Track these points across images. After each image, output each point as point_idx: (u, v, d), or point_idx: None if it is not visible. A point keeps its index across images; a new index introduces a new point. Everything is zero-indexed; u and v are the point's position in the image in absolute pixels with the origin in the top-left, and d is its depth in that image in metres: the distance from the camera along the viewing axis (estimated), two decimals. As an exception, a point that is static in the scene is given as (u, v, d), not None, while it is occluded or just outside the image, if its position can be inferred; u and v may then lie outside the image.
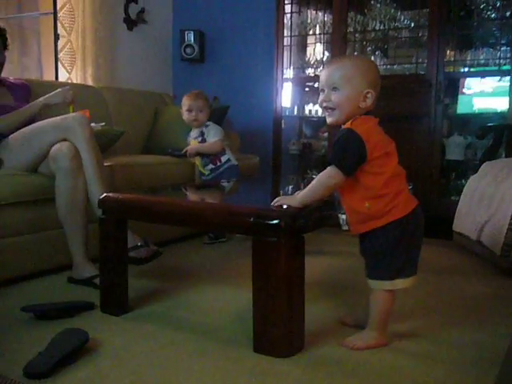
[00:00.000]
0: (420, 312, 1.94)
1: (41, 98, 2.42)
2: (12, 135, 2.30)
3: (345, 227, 1.59)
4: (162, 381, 1.39)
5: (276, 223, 1.46)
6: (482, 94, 3.39)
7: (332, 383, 1.38)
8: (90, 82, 3.79)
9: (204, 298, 2.09)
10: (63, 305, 1.89)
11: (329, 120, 1.58)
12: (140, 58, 4.38)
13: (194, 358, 1.53)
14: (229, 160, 3.10)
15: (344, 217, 1.58)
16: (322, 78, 1.56)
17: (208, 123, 3.11)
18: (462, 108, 3.44)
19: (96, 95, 3.43)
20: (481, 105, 3.40)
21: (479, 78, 3.42)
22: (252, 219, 1.50)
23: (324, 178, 1.51)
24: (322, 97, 1.56)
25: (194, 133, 3.13)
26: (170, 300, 2.05)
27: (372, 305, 1.59)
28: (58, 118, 2.23)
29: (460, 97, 3.44)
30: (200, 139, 3.09)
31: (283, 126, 4.01)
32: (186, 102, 3.09)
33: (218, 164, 3.08)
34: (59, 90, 2.45)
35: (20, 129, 2.30)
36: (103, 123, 2.57)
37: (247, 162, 3.50)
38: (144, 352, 1.57)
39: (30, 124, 2.31)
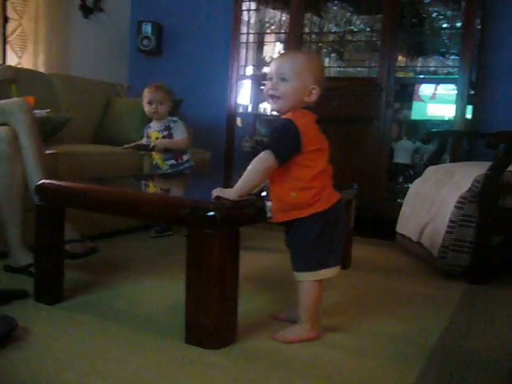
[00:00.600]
0: (355, 308, 1.98)
1: None
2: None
3: (269, 214, 1.61)
4: (89, 369, 1.37)
5: (211, 215, 1.46)
6: (431, 100, 3.47)
7: (260, 375, 1.39)
8: (41, 69, 3.72)
9: (141, 290, 2.07)
10: (-5, 292, 1.84)
11: (272, 107, 1.64)
12: (95, 47, 4.32)
13: (124, 348, 1.52)
14: (189, 160, 3.11)
15: (269, 204, 1.60)
16: (273, 67, 1.61)
17: (175, 119, 3.11)
18: (415, 114, 3.51)
19: (44, 81, 3.35)
20: (430, 111, 3.48)
21: (429, 85, 3.49)
22: (188, 210, 1.50)
23: (258, 163, 1.54)
24: (269, 85, 1.61)
25: (156, 125, 3.10)
26: (107, 291, 2.02)
27: (300, 297, 1.62)
28: (0, 101, 2.17)
29: (414, 103, 3.51)
30: (166, 133, 3.06)
31: (239, 123, 4.02)
32: (146, 94, 3.07)
33: (180, 161, 3.07)
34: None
35: None
36: (48, 110, 2.52)
37: (199, 157, 3.48)
38: (74, 341, 1.55)
39: None
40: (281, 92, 1.57)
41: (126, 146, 3.18)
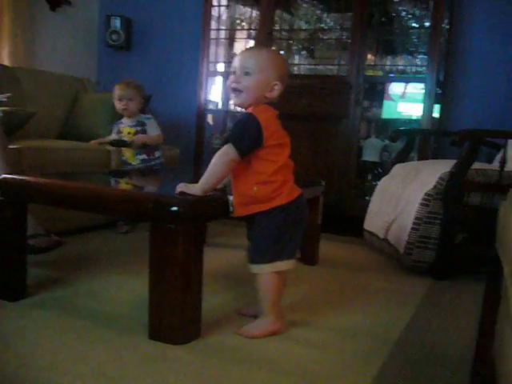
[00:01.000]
0: (321, 304, 1.99)
1: None
2: None
3: (231, 208, 1.62)
4: (50, 366, 1.35)
5: (175, 210, 1.45)
6: (400, 99, 3.51)
7: (223, 369, 1.38)
8: (6, 62, 3.64)
9: (107, 286, 2.04)
10: (-46, 288, 1.80)
11: (234, 101, 1.65)
12: (63, 40, 4.25)
13: (88, 344, 1.50)
14: (160, 157, 3.12)
15: (231, 198, 1.61)
16: (237, 61, 1.61)
17: (149, 116, 3.12)
18: (385, 112, 3.55)
19: (10, 75, 3.29)
20: (399, 110, 3.52)
21: (398, 84, 3.53)
22: (151, 205, 1.48)
23: (220, 156, 1.55)
24: (232, 78, 1.61)
25: (128, 121, 3.08)
26: (72, 288, 1.99)
27: (259, 290, 1.62)
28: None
29: (384, 101, 3.54)
30: (139, 128, 3.05)
31: (210, 120, 4.00)
32: (116, 91, 3.06)
33: (151, 157, 3.07)
34: None
35: None
36: (9, 94, 2.45)
37: (168, 153, 3.46)
38: (36, 338, 1.52)
39: None
40: (243, 86, 1.57)
41: (100, 140, 3.15)
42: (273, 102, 1.61)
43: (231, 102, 4.03)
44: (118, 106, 3.05)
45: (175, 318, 1.49)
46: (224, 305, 1.90)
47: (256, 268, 1.60)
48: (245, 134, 1.53)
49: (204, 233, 2.77)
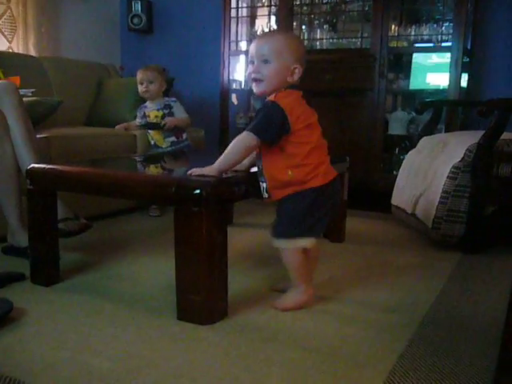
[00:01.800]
0: (348, 280, 1.99)
1: None
2: None
3: (265, 195, 1.64)
4: (82, 347, 1.40)
5: (197, 193, 1.47)
6: (426, 69, 3.45)
7: (250, 348, 1.41)
8: (32, 52, 3.70)
9: (137, 269, 2.09)
10: (-9, 276, 1.87)
11: (256, 90, 1.62)
12: (86, 27, 4.28)
13: (118, 326, 1.54)
14: (187, 139, 3.16)
15: (265, 185, 1.62)
16: (253, 50, 1.60)
17: (174, 99, 3.15)
18: (412, 83, 3.49)
19: (35, 65, 3.34)
20: (426, 81, 3.46)
21: (423, 54, 3.46)
22: (174, 189, 1.50)
23: (239, 143, 1.56)
24: (251, 68, 1.61)
25: (153, 105, 3.12)
26: (103, 271, 2.04)
27: (285, 264, 1.66)
28: (-14, 85, 2.18)
29: (411, 72, 3.48)
30: (167, 111, 3.09)
31: (234, 99, 4.00)
32: (138, 75, 3.12)
33: (180, 139, 3.11)
34: None
35: None
36: (33, 89, 2.50)
37: (193, 135, 3.48)
38: (69, 320, 1.57)
39: None
40: (263, 75, 1.57)
41: (125, 125, 3.19)
42: (294, 84, 1.59)
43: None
44: (140, 89, 3.09)
45: (202, 298, 1.52)
46: (251, 284, 1.92)
47: (277, 242, 1.63)
48: (269, 123, 1.52)
49: (230, 213, 2.84)
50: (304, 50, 1.63)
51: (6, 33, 3.61)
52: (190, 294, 1.53)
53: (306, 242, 1.62)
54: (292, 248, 1.62)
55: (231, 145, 1.57)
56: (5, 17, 3.59)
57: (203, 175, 1.55)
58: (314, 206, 1.59)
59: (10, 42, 3.63)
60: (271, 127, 1.52)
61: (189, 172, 1.58)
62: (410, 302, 1.78)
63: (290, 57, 1.56)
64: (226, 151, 1.57)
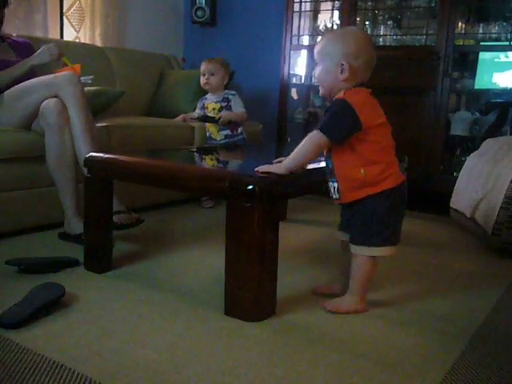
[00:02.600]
0: (401, 284, 1.95)
1: (28, 59, 2.41)
2: (6, 92, 2.32)
3: (335, 195, 1.61)
4: (129, 337, 1.42)
5: (250, 188, 1.46)
6: (493, 69, 3.32)
7: (296, 349, 1.39)
8: (98, 42, 3.79)
9: (187, 261, 2.11)
10: (48, 260, 1.92)
11: (320, 93, 1.64)
12: (151, 19, 4.35)
13: (165, 317, 1.56)
14: (242, 132, 3.18)
15: (336, 185, 1.59)
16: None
17: (233, 92, 3.18)
18: (478, 83, 3.37)
19: (100, 55, 3.43)
20: (492, 80, 3.33)
21: (491, 53, 3.33)
22: (227, 183, 1.50)
23: (310, 143, 1.53)
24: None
25: (213, 97, 3.16)
26: (153, 262, 2.07)
27: (354, 270, 1.62)
28: (50, 75, 2.24)
29: (477, 71, 3.35)
30: (224, 104, 3.12)
31: (294, 94, 3.98)
32: (202, 66, 3.17)
33: (235, 133, 3.15)
34: (43, 47, 2.42)
35: (10, 87, 2.33)
36: (92, 76, 2.55)
37: (251, 129, 3.48)
38: (118, 309, 1.60)
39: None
40: (316, 77, 1.59)
41: (185, 116, 3.23)
42: (363, 82, 1.57)
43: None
44: (201, 80, 3.13)
45: (250, 295, 1.52)
46: (300, 283, 1.90)
47: (357, 249, 1.59)
48: (339, 122, 1.50)
49: (284, 209, 2.82)
50: (356, 44, 1.54)
51: (74, 23, 3.71)
52: (238, 289, 1.53)
53: (386, 251, 1.59)
54: (369, 255, 1.59)
55: (301, 143, 1.54)
56: (74, 8, 3.70)
57: (269, 172, 1.54)
58: (390, 212, 1.56)
59: (77, 32, 3.74)
60: (341, 125, 1.50)
61: (256, 168, 1.56)
62: (464, 311, 1.72)
63: (336, 55, 1.53)
64: (296, 150, 1.55)
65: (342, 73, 1.53)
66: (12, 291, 1.69)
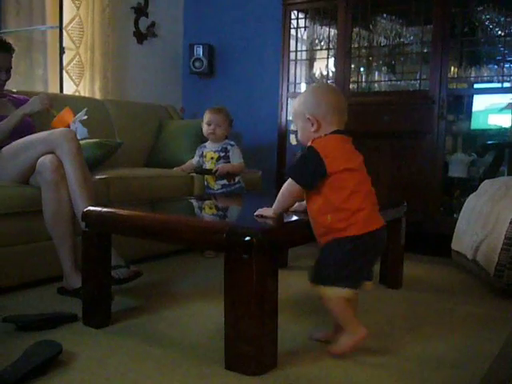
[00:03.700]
0: (403, 330, 1.92)
1: (19, 109, 2.47)
2: (5, 148, 2.36)
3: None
4: (128, 396, 1.39)
5: (247, 240, 1.46)
6: (487, 110, 3.36)
7: (297, 403, 1.36)
8: (97, 95, 3.86)
9: (187, 313, 2.08)
10: (45, 316, 1.90)
11: None
12: (149, 71, 4.44)
13: (164, 373, 1.53)
14: (240, 181, 3.20)
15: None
16: None
17: (232, 143, 3.21)
18: (473, 125, 3.41)
19: (99, 108, 3.48)
20: (486, 122, 3.36)
21: (484, 96, 3.38)
22: (224, 235, 1.50)
23: (285, 188, 1.64)
24: None
25: (213, 146, 3.20)
26: (153, 315, 2.04)
27: (330, 311, 1.64)
28: (47, 132, 2.28)
29: (473, 113, 3.40)
30: (223, 154, 3.16)
31: (293, 140, 4.02)
32: (206, 115, 3.19)
33: (232, 182, 3.16)
34: (34, 97, 2.49)
35: (7, 141, 2.37)
36: (85, 109, 2.57)
37: (250, 176, 3.50)
38: (117, 365, 1.57)
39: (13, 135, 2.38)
40: (299, 140, 1.73)
41: (183, 167, 3.26)
42: (340, 129, 1.63)
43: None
44: (206, 129, 3.16)
45: (250, 348, 1.49)
46: (301, 332, 1.87)
47: (317, 288, 1.61)
48: (304, 168, 1.58)
49: (285, 256, 2.81)
50: (316, 94, 1.65)
51: (73, 77, 3.78)
52: (238, 343, 1.51)
53: (343, 292, 1.58)
54: (331, 295, 1.59)
55: (281, 190, 1.64)
56: (74, 62, 3.77)
57: (261, 215, 1.66)
58: (351, 256, 1.57)
59: (77, 86, 3.80)
60: (306, 171, 1.57)
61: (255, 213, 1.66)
62: (470, 356, 1.69)
63: (302, 112, 1.64)
64: (279, 194, 1.65)
65: (312, 126, 1.62)
66: (9, 349, 1.66)
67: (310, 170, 1.56)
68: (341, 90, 3.61)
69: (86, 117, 2.50)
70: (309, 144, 1.60)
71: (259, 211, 1.67)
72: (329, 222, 1.56)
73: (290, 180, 1.61)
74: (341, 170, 1.55)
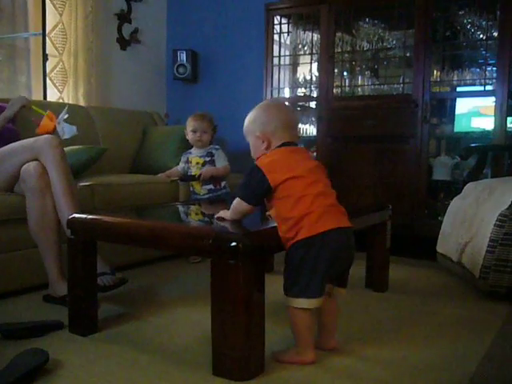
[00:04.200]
0: (390, 334, 1.92)
1: (1, 115, 2.48)
2: (-11, 156, 2.33)
3: None
4: (115, 404, 1.38)
5: (233, 245, 1.46)
6: (470, 113, 3.39)
7: (286, 408, 1.36)
8: (81, 102, 3.83)
9: (174, 319, 2.07)
10: (31, 324, 1.88)
11: None
12: (133, 77, 4.43)
13: (151, 379, 1.53)
14: (226, 186, 3.20)
15: None
16: None
17: (217, 147, 3.22)
18: (456, 127, 3.44)
19: (83, 114, 3.47)
20: (470, 125, 3.40)
21: (467, 99, 3.42)
22: (210, 241, 1.50)
23: (235, 206, 1.66)
24: None
25: (198, 151, 3.20)
26: (139, 321, 2.04)
27: (290, 321, 1.63)
28: (30, 139, 2.26)
29: (456, 116, 3.43)
30: (208, 159, 3.16)
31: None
32: (191, 122, 3.18)
33: (218, 187, 3.16)
34: (12, 99, 2.53)
35: None
36: (66, 106, 2.56)
37: (235, 182, 3.49)
38: (103, 373, 1.57)
39: None
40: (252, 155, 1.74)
41: (167, 173, 3.25)
42: (287, 142, 1.66)
43: (301, 126, 4.06)
44: (192, 137, 3.16)
45: (238, 354, 1.49)
46: (289, 337, 1.86)
47: (285, 299, 1.61)
48: (250, 187, 1.61)
49: (271, 260, 2.81)
50: (267, 112, 1.68)
51: (57, 84, 3.75)
52: (225, 348, 1.50)
53: (306, 303, 1.57)
54: (293, 305, 1.59)
55: (232, 206, 1.67)
56: (57, 69, 3.75)
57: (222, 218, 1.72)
58: (305, 262, 1.55)
59: (60, 93, 3.78)
60: (253, 190, 1.61)
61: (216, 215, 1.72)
62: (457, 358, 1.70)
63: (254, 129, 1.68)
64: (231, 207, 1.67)
65: (263, 143, 1.65)
66: (-7, 359, 1.64)
67: (255, 189, 1.59)
68: (325, 94, 3.67)
69: (67, 115, 2.47)
70: (255, 162, 1.63)
71: (220, 213, 1.74)
72: (282, 231, 1.58)
73: (238, 201, 1.63)
74: (283, 180, 1.56)
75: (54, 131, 2.41)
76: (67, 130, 2.43)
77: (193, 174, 3.16)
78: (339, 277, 1.67)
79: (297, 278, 1.56)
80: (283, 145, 1.64)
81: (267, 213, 1.68)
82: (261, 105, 1.74)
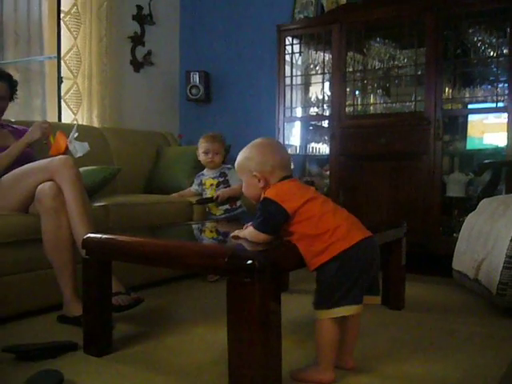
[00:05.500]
0: (407, 352, 1.90)
1: (21, 139, 2.49)
2: (4, 176, 2.36)
3: None
4: (131, 424, 1.37)
5: (249, 264, 1.45)
6: (484, 130, 3.38)
7: (303, 428, 1.35)
8: (95, 123, 3.88)
9: (190, 340, 2.06)
10: (46, 345, 1.88)
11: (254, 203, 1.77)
12: (147, 99, 4.48)
13: (168, 400, 1.52)
14: (241, 206, 3.20)
15: None
16: None
17: (229, 166, 3.21)
18: (469, 144, 3.43)
19: (97, 136, 3.50)
20: (483, 142, 3.39)
21: (479, 115, 3.41)
22: (226, 259, 1.49)
23: (255, 237, 1.64)
24: None
25: (211, 173, 3.21)
26: (154, 342, 2.02)
27: (316, 337, 1.63)
28: (46, 160, 2.28)
29: (468, 133, 3.43)
30: (222, 179, 3.18)
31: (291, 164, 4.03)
32: (202, 144, 3.20)
33: (234, 207, 3.16)
34: (34, 124, 2.51)
35: (7, 170, 2.37)
36: (75, 124, 2.58)
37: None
38: (119, 394, 1.56)
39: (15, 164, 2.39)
40: (244, 192, 1.77)
41: (181, 193, 3.27)
42: (286, 176, 1.68)
43: (313, 145, 4.08)
44: (204, 158, 3.17)
45: (254, 374, 1.47)
46: (306, 356, 1.85)
47: (317, 314, 1.61)
48: (267, 219, 1.61)
49: (286, 279, 2.79)
50: (262, 152, 1.69)
51: (72, 106, 3.81)
52: (242, 368, 1.49)
53: (344, 311, 1.58)
54: (327, 319, 1.59)
55: (249, 234, 1.67)
56: (72, 91, 3.81)
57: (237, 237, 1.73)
58: (340, 275, 1.57)
59: (75, 114, 3.83)
60: (272, 222, 1.61)
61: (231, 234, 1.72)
62: (475, 377, 1.68)
63: (249, 168, 1.69)
64: (248, 235, 1.67)
65: (259, 181, 1.66)
66: (9, 380, 1.64)
67: (273, 220, 1.60)
68: (337, 113, 3.68)
69: (77, 133, 2.49)
70: (262, 197, 1.64)
71: (235, 232, 1.75)
72: (310, 250, 1.59)
73: (258, 233, 1.62)
74: (301, 205, 1.58)
75: (65, 151, 2.43)
76: (79, 148, 2.45)
77: (208, 195, 3.16)
78: (371, 284, 1.67)
79: (336, 289, 1.57)
80: (283, 178, 1.67)
81: (232, 234, 1.75)
82: (254, 144, 1.74)
